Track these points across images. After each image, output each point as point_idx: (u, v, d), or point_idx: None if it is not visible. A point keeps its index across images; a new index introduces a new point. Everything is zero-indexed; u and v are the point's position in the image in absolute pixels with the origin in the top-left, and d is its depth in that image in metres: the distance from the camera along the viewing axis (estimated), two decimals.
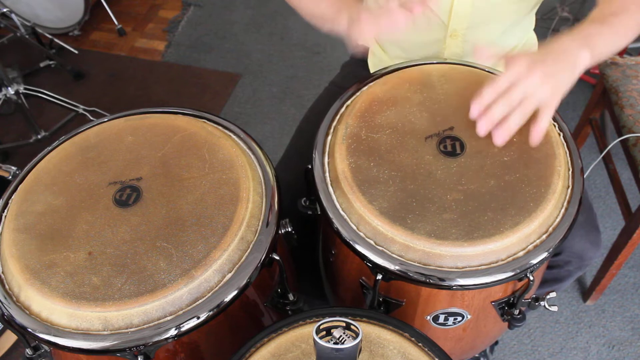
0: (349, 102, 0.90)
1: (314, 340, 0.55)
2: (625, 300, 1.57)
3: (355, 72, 1.16)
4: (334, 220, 0.77)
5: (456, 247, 0.72)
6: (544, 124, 0.75)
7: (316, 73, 2.22)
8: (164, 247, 0.72)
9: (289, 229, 0.81)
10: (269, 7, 2.50)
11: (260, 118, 2.08)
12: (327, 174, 0.81)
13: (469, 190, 0.76)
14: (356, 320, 0.59)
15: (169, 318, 0.68)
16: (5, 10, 2.07)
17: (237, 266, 0.72)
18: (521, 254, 0.74)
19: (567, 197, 0.78)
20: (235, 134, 0.88)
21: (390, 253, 0.74)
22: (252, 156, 0.85)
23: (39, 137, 1.90)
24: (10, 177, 1.22)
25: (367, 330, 0.68)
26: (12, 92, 1.84)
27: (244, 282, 0.72)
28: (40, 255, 0.73)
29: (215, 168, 0.80)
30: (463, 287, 0.73)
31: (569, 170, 0.81)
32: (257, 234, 0.76)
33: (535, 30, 1.14)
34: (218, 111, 2.09)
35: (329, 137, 0.85)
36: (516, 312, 0.85)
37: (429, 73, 0.91)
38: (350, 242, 0.75)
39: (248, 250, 0.74)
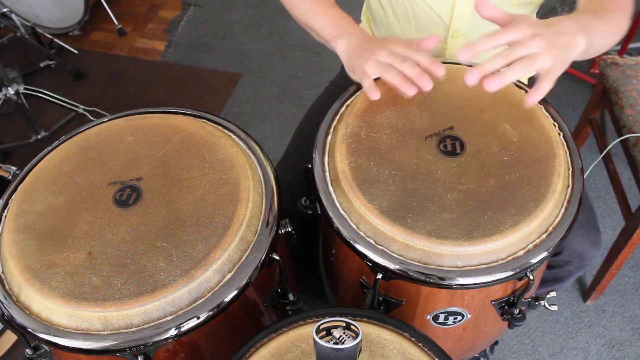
0: (349, 101, 0.90)
1: (314, 340, 0.55)
2: (625, 300, 1.57)
3: None
4: (334, 220, 0.77)
5: (456, 247, 0.72)
6: (542, 91, 0.70)
7: (316, 73, 2.22)
8: (164, 247, 0.72)
9: (289, 229, 0.81)
10: (269, 7, 2.51)
11: (260, 118, 2.08)
12: (327, 174, 0.81)
13: (469, 190, 0.76)
14: (356, 320, 0.59)
15: (169, 318, 0.68)
16: (5, 10, 2.07)
17: (237, 266, 0.72)
18: (521, 253, 0.74)
19: (567, 196, 0.78)
20: (235, 134, 0.88)
21: (390, 252, 0.74)
22: (252, 156, 0.85)
23: (39, 137, 1.90)
24: (10, 177, 1.22)
25: (367, 330, 0.68)
26: (12, 92, 1.84)
27: (244, 282, 0.72)
28: (40, 255, 0.73)
29: (215, 168, 0.80)
30: (463, 287, 0.73)
31: (569, 170, 0.81)
32: (257, 234, 0.75)
33: None
34: (218, 111, 2.09)
35: (329, 137, 0.85)
36: (516, 311, 0.85)
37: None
38: (351, 241, 0.75)
39: (248, 250, 0.74)
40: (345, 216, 0.77)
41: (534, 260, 0.73)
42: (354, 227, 0.76)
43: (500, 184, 0.77)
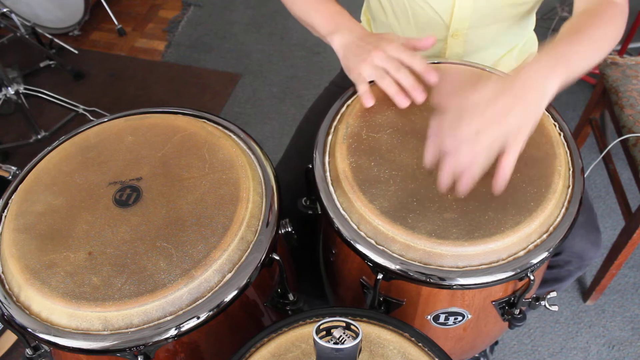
0: (349, 101, 0.90)
1: (314, 340, 0.55)
2: (625, 300, 1.57)
3: None
4: (335, 220, 0.77)
5: (457, 247, 0.72)
6: (509, 165, 0.70)
7: (316, 73, 2.22)
8: (164, 247, 0.72)
9: (289, 229, 0.81)
10: (269, 7, 2.51)
11: (260, 118, 2.08)
12: (327, 174, 0.81)
13: (469, 190, 0.76)
14: (356, 320, 0.59)
15: (169, 318, 0.68)
16: (5, 10, 2.08)
17: (237, 266, 0.72)
18: (522, 253, 0.74)
19: (568, 196, 0.78)
20: (235, 134, 0.88)
21: (390, 252, 0.74)
22: (252, 156, 0.85)
23: (39, 137, 1.90)
24: (10, 177, 1.22)
25: (367, 330, 0.68)
26: (12, 92, 1.84)
27: (244, 282, 0.72)
28: (40, 255, 0.73)
29: (215, 168, 0.80)
30: (463, 287, 0.73)
31: (569, 170, 0.81)
32: (257, 234, 0.75)
33: (535, 30, 1.15)
34: (218, 111, 2.09)
35: (330, 137, 0.85)
36: (516, 311, 0.85)
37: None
38: (351, 241, 0.75)
39: (248, 250, 0.74)
40: (346, 216, 0.77)
41: (535, 261, 0.73)
42: (355, 227, 0.76)
43: None
